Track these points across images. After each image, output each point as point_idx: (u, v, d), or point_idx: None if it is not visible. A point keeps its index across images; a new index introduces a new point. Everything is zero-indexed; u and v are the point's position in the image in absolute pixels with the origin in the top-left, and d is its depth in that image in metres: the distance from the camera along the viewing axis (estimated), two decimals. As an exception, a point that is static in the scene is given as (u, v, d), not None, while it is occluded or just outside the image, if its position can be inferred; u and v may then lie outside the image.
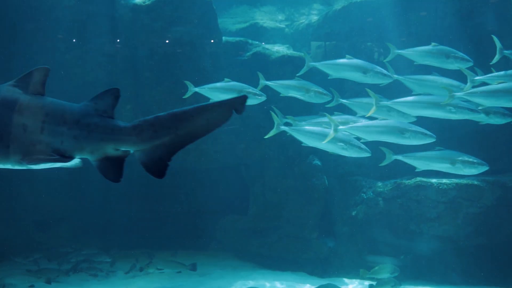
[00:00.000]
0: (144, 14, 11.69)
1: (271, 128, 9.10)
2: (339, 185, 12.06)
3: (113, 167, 3.58)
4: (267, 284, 10.63)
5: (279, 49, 12.63)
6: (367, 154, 8.62)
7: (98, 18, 11.70)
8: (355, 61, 9.46)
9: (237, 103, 3.48)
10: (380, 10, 12.50)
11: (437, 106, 8.37)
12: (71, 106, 3.65)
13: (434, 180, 10.57)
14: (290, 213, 11.96)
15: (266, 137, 9.33)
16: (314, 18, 14.49)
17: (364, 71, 9.27)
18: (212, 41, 12.05)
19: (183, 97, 9.74)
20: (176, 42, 11.72)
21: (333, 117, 8.64)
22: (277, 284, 10.59)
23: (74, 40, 11.63)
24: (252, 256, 12.28)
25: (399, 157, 8.94)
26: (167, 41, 11.72)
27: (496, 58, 8.60)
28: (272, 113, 9.13)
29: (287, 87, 9.77)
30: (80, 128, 3.52)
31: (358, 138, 8.71)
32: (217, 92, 9.47)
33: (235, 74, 10.41)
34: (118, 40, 11.94)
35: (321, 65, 9.79)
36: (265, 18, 15.35)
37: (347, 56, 9.57)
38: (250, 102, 9.41)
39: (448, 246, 10.50)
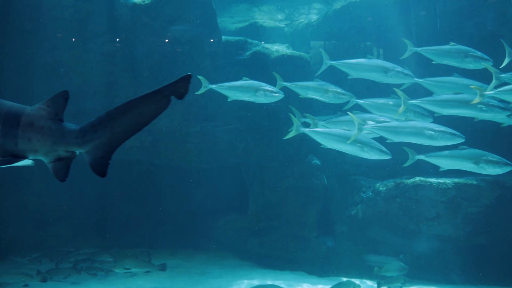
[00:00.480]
0: (143, 13, 11.68)
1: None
2: (338, 184, 12.07)
3: (63, 168, 3.66)
4: (266, 283, 10.62)
5: (278, 48, 12.61)
6: (388, 157, 8.44)
7: (98, 17, 11.69)
8: (376, 60, 9.36)
9: (177, 89, 3.34)
10: (380, 9, 12.51)
11: (468, 105, 8.23)
12: (25, 108, 3.66)
13: (433, 180, 10.57)
14: (289, 212, 11.97)
15: (285, 138, 9.24)
16: (314, 17, 14.48)
17: (386, 70, 9.16)
18: (211, 40, 12.04)
19: (196, 92, 9.60)
20: (176, 41, 11.72)
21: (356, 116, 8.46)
22: (276, 283, 10.57)
23: (73, 39, 11.62)
24: (251, 256, 12.28)
25: (422, 157, 8.80)
26: (166, 40, 11.72)
27: (506, 61, 8.57)
28: (291, 115, 9.01)
29: (306, 88, 9.66)
30: (34, 131, 3.54)
31: (382, 139, 8.57)
32: (235, 90, 9.39)
33: (234, 74, 10.40)
34: (117, 39, 11.93)
35: (341, 65, 9.63)
36: (265, 18, 15.33)
37: (368, 56, 9.48)
38: (268, 100, 9.44)
39: (448, 246, 10.50)
